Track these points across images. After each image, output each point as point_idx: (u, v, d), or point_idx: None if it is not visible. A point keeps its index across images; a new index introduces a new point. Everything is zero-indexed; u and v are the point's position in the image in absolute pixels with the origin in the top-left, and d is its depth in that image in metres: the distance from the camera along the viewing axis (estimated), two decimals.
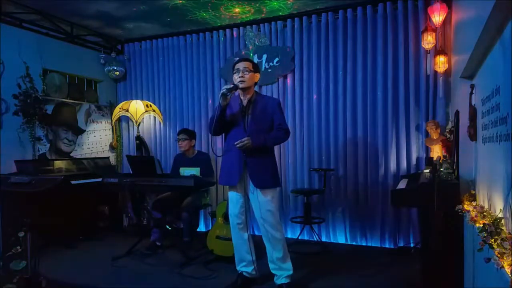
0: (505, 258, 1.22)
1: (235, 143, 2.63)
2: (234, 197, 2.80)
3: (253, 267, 2.84)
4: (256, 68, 2.77)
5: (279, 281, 2.77)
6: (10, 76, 3.94)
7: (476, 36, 1.79)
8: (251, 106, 2.73)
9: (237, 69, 2.71)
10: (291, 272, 2.78)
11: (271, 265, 2.80)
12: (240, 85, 2.67)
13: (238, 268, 2.89)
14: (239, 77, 2.67)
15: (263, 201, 2.69)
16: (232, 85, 2.65)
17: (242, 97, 2.77)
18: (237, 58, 3.12)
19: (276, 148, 4.36)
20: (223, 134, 2.89)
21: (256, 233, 4.10)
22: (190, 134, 4.03)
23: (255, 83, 2.81)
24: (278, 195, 2.87)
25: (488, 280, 1.58)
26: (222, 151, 2.94)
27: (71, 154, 4.70)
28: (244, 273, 2.86)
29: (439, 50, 3.49)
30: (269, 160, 2.79)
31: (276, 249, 2.73)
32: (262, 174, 2.71)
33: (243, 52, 4.51)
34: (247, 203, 2.79)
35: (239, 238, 2.83)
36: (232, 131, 2.75)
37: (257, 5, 4.01)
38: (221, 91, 2.61)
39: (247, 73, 2.68)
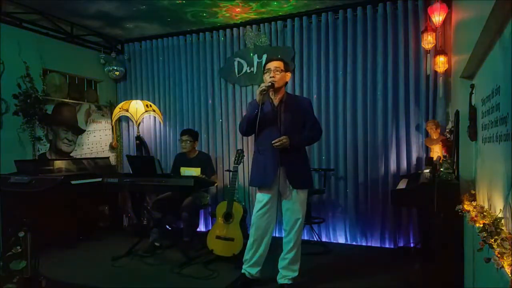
0: (505, 258, 1.22)
1: (273, 142, 2.61)
2: (265, 198, 2.73)
3: (258, 269, 2.83)
4: (287, 67, 2.75)
5: (281, 280, 2.77)
6: (10, 76, 3.94)
7: (476, 36, 1.79)
8: (284, 106, 2.72)
9: (268, 69, 2.70)
10: (296, 274, 2.78)
11: (281, 262, 2.80)
12: (274, 84, 2.65)
13: (244, 267, 2.86)
14: (270, 76, 2.66)
15: (298, 201, 2.70)
16: (270, 83, 2.64)
17: (272, 97, 2.76)
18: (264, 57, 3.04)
19: None
20: (254, 135, 2.78)
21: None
22: (194, 136, 4.04)
23: (286, 83, 2.79)
24: None
25: (488, 280, 1.58)
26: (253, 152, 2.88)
27: (71, 154, 4.70)
28: (246, 274, 2.84)
29: (439, 50, 3.49)
30: (305, 160, 2.81)
31: (294, 249, 2.75)
32: (299, 174, 2.71)
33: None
34: (279, 204, 2.76)
35: (260, 239, 2.78)
36: (266, 132, 2.69)
37: (257, 5, 4.01)
38: (261, 88, 2.59)
39: (278, 72, 2.67)
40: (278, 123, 2.69)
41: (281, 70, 2.69)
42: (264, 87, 2.60)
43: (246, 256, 2.85)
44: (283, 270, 2.79)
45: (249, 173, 2.99)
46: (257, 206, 2.78)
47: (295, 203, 2.71)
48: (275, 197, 2.74)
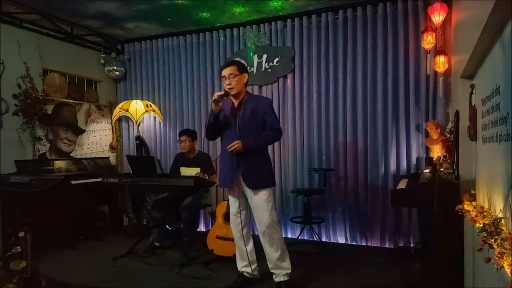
0: (505, 258, 1.22)
1: (227, 148, 2.67)
2: (232, 198, 2.85)
3: (254, 266, 2.86)
4: (242, 68, 2.75)
5: (278, 279, 2.79)
6: (10, 76, 3.95)
7: (476, 36, 1.79)
8: (242, 108, 2.74)
9: (223, 76, 2.73)
10: (289, 270, 2.79)
11: (270, 265, 2.81)
12: (230, 92, 2.71)
13: (239, 268, 2.90)
14: (227, 84, 2.70)
15: (258, 201, 2.71)
16: (223, 92, 2.69)
17: (233, 100, 2.79)
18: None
19: (276, 148, 4.38)
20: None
21: (256, 233, 4.10)
22: (192, 135, 4.02)
23: (245, 84, 2.80)
24: (273, 194, 2.90)
25: (488, 280, 1.58)
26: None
27: (71, 154, 4.70)
28: (244, 273, 2.87)
29: (439, 50, 3.49)
30: (262, 160, 2.79)
31: (274, 248, 2.74)
32: (255, 175, 2.72)
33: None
34: (245, 204, 2.83)
35: (240, 239, 2.85)
36: (225, 134, 2.79)
37: (257, 5, 4.01)
38: (213, 98, 2.64)
39: (233, 78, 2.69)
40: (236, 126, 2.72)
41: (235, 75, 2.69)
42: (216, 97, 2.63)
43: (237, 258, 2.92)
44: (274, 270, 2.80)
45: None
46: (230, 207, 2.89)
47: (256, 204, 2.73)
48: (241, 198, 2.79)
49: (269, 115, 2.75)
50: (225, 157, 2.77)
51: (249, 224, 2.92)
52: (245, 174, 2.71)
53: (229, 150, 2.65)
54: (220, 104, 2.67)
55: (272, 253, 2.75)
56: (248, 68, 4.48)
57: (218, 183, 2.98)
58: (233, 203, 2.84)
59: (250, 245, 2.86)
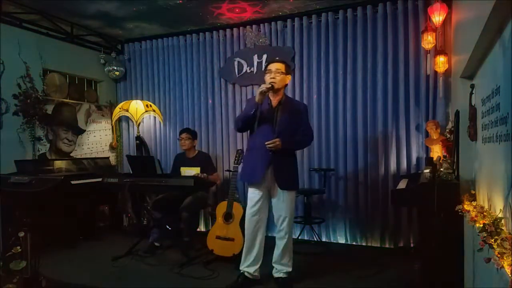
0: (505, 258, 1.22)
1: (266, 143, 2.68)
2: (255, 196, 2.82)
3: (256, 268, 2.86)
4: (288, 70, 2.82)
5: (277, 274, 2.83)
6: (10, 76, 3.94)
7: (476, 36, 1.79)
8: (281, 108, 2.79)
9: (269, 69, 2.77)
10: (290, 269, 2.85)
11: (274, 258, 2.87)
12: (274, 86, 2.73)
13: (241, 267, 2.89)
14: (271, 78, 2.73)
15: (285, 200, 2.77)
16: (269, 85, 2.70)
17: (271, 98, 2.82)
18: (276, 57, 3.17)
19: None
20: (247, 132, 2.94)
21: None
22: (193, 134, 4.06)
23: (286, 85, 2.86)
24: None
25: (488, 280, 1.58)
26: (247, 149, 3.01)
27: (71, 154, 4.70)
28: (245, 273, 2.86)
29: (439, 50, 3.49)
30: (293, 162, 2.87)
31: (285, 246, 2.81)
32: (287, 175, 2.78)
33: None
34: (265, 205, 2.84)
35: (253, 237, 2.84)
36: (260, 130, 2.77)
37: (257, 5, 4.01)
38: (260, 89, 2.67)
39: (278, 74, 2.73)
40: (273, 124, 2.75)
41: (282, 72, 2.75)
42: (264, 89, 2.67)
43: (243, 255, 2.90)
44: (276, 264, 2.86)
45: None
46: (249, 204, 2.86)
47: (282, 202, 2.78)
48: (265, 195, 2.82)
49: (305, 120, 2.86)
50: (258, 153, 2.77)
51: (264, 226, 2.90)
52: (278, 173, 2.74)
53: (269, 146, 2.67)
54: (265, 96, 2.72)
55: (281, 250, 2.81)
56: (248, 68, 4.50)
57: (240, 177, 3.02)
58: (255, 201, 2.82)
59: (260, 246, 2.86)
